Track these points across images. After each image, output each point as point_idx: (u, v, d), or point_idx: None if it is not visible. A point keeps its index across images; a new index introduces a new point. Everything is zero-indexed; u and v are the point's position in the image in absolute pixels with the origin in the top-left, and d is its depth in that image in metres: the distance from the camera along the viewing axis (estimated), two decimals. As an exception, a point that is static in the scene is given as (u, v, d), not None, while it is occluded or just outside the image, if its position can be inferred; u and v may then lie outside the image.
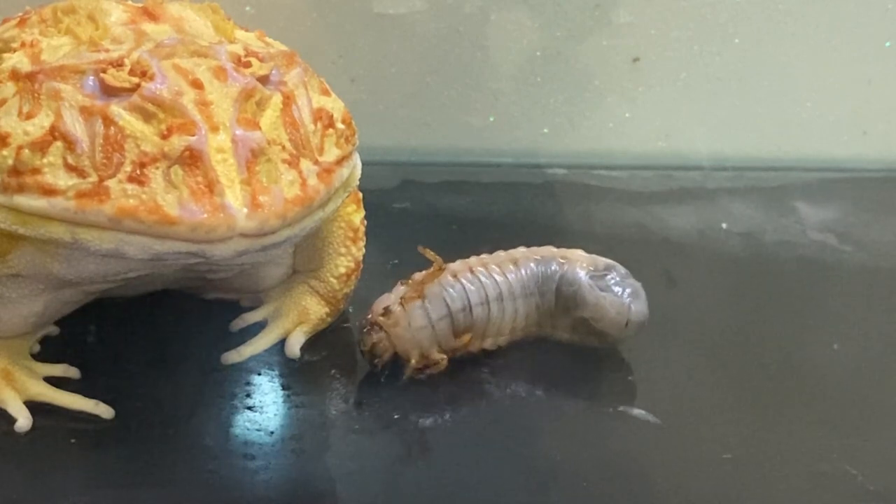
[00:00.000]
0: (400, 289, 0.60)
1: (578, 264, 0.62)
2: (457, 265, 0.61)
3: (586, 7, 0.91)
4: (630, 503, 0.53)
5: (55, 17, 0.56)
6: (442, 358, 0.59)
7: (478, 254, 0.63)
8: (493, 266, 0.61)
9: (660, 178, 0.93)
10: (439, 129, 0.95)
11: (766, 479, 0.54)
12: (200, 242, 0.46)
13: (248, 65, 0.51)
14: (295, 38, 0.78)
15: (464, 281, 0.60)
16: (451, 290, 0.59)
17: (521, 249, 0.63)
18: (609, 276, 0.62)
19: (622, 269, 0.63)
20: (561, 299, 0.62)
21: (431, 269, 0.60)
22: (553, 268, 0.62)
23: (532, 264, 0.62)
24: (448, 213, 0.85)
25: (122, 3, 0.57)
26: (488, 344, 0.62)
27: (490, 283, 0.60)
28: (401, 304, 0.59)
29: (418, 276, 0.61)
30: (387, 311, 0.59)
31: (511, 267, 0.61)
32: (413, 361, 0.59)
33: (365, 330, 0.59)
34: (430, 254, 0.60)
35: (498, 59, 0.93)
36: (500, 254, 0.63)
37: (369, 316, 0.60)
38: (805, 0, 0.92)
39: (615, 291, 0.62)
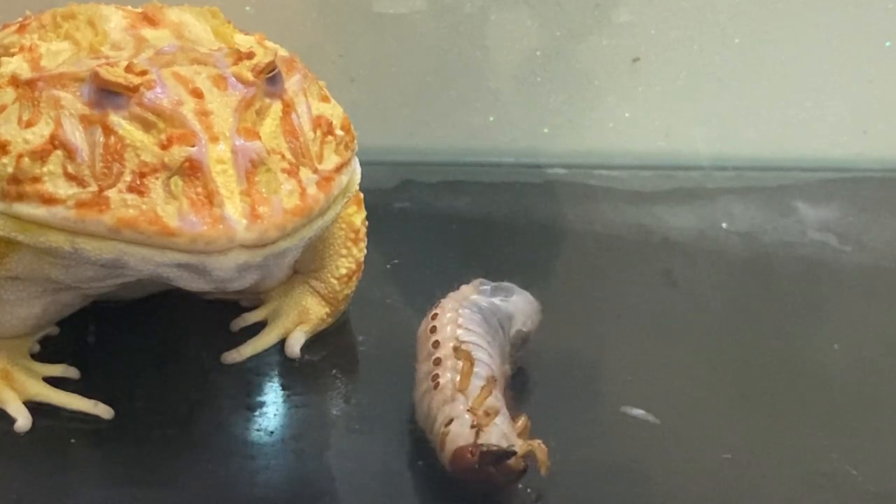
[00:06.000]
0: (458, 407, 0.52)
1: (473, 296, 0.59)
2: (446, 346, 0.55)
3: (586, 7, 0.91)
4: (630, 503, 0.53)
5: (54, 23, 0.56)
6: (538, 443, 0.51)
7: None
8: (462, 330, 0.56)
9: (660, 178, 0.93)
10: (439, 129, 0.95)
11: (766, 479, 0.54)
12: (200, 254, 0.46)
13: (251, 55, 0.51)
14: (295, 38, 0.78)
15: (477, 358, 0.54)
16: (479, 373, 0.53)
17: (448, 303, 0.58)
18: (491, 288, 0.61)
19: (479, 281, 0.61)
20: (504, 329, 0.59)
21: (464, 366, 0.53)
22: (488, 306, 0.59)
23: (470, 311, 0.58)
24: (448, 213, 0.85)
25: (122, 9, 0.57)
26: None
27: (483, 343, 0.56)
28: (473, 412, 0.51)
29: (451, 376, 0.53)
30: (479, 429, 0.50)
31: (468, 321, 0.57)
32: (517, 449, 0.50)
33: (484, 464, 0.49)
34: (463, 353, 0.53)
35: (498, 59, 0.93)
36: (447, 315, 0.57)
37: (475, 457, 0.49)
38: (805, 0, 0.92)
39: (510, 292, 0.61)
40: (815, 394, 0.63)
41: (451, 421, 0.51)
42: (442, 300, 0.59)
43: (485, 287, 0.61)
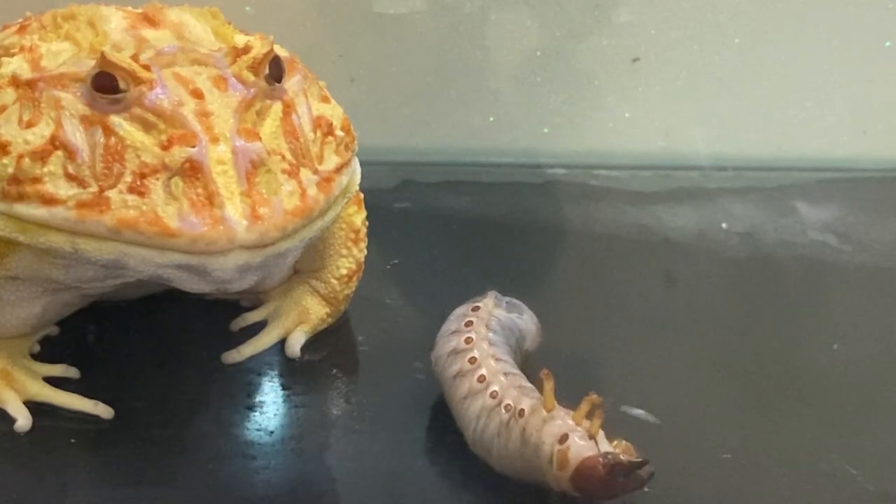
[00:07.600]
0: (568, 422, 0.50)
1: (497, 311, 0.59)
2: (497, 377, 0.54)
3: (586, 7, 0.91)
4: (630, 503, 0.53)
5: (55, 23, 0.56)
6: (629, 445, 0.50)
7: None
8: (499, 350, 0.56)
9: (660, 178, 0.93)
10: (439, 129, 0.95)
11: (766, 479, 0.54)
12: (200, 255, 0.46)
13: (247, 50, 0.51)
14: (295, 38, 0.78)
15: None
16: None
17: (481, 331, 0.57)
18: (506, 304, 0.60)
19: (494, 294, 0.60)
20: (520, 347, 0.59)
21: (547, 384, 0.52)
22: (508, 322, 0.59)
23: (493, 335, 0.57)
24: (448, 213, 0.85)
25: (122, 9, 0.57)
26: None
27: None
28: (577, 422, 0.50)
29: (532, 403, 0.53)
30: (595, 440, 0.49)
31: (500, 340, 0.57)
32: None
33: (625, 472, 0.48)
34: (545, 372, 0.52)
35: (498, 59, 0.93)
36: (482, 341, 0.56)
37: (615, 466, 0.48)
38: (805, 0, 0.92)
39: (521, 310, 0.60)
40: (815, 394, 0.63)
41: (565, 437, 0.49)
42: (473, 321, 0.57)
43: (500, 301, 0.59)
